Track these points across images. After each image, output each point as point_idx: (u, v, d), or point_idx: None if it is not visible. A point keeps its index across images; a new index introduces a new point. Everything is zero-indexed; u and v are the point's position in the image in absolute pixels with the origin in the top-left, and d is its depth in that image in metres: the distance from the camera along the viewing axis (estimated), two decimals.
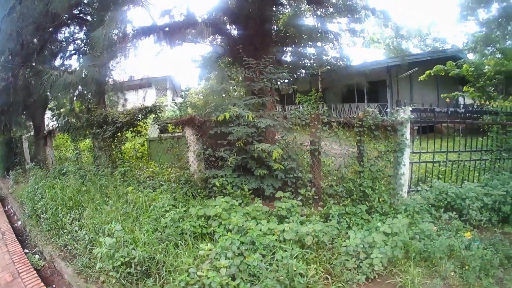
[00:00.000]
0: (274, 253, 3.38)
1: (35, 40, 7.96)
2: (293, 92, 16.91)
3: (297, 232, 3.72)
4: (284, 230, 3.74)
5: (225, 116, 4.74)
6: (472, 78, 11.10)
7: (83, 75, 5.54)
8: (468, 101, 12.25)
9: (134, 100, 8.65)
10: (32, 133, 10.00)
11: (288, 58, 12.63)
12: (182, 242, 3.75)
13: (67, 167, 6.62)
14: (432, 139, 5.95)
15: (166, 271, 3.31)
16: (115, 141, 6.18)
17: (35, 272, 4.13)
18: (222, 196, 4.59)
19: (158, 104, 5.87)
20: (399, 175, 5.09)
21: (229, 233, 3.57)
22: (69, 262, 4.12)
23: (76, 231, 4.57)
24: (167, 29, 5.76)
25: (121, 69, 7.62)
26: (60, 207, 5.26)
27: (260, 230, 3.77)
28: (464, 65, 11.22)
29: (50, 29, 8.18)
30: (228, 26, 6.62)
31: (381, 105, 14.12)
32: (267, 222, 4.06)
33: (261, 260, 3.20)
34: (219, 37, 7.44)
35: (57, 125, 8.13)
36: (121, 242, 3.66)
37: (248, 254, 3.29)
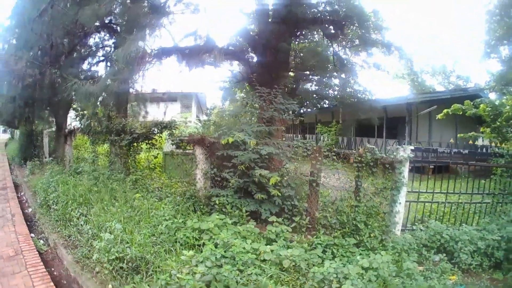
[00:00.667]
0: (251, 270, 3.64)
1: (64, 42, 8.57)
2: (315, 121, 17.49)
3: (279, 255, 3.96)
4: (265, 251, 4.00)
5: (228, 140, 5.12)
6: (488, 118, 11.04)
7: (107, 83, 6.05)
8: (487, 142, 12.21)
9: (156, 112, 9.12)
10: (53, 129, 10.68)
11: (311, 87, 13.07)
12: (173, 248, 4.14)
13: (83, 167, 7.17)
14: (443, 180, 6.03)
15: (153, 271, 3.70)
16: (131, 150, 6.66)
17: (37, 252, 4.64)
18: (219, 214, 4.95)
19: (173, 120, 6.31)
20: (393, 213, 5.22)
21: (213, 246, 3.91)
22: (70, 251, 4.59)
23: (81, 225, 5.07)
24: (187, 51, 6.23)
25: (143, 83, 8.13)
26: (70, 201, 5.83)
27: (244, 248, 4.04)
28: (481, 105, 11.17)
29: (80, 34, 8.79)
30: (247, 54, 7.04)
31: (398, 141, 14.26)
32: (253, 242, 4.31)
33: (237, 274, 3.46)
34: (238, 63, 7.83)
35: (79, 126, 8.71)
36: (119, 239, 4.10)
37: (226, 267, 3.52)
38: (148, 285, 3.50)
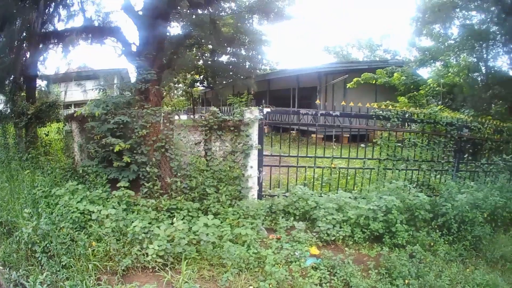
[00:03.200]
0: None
1: None
2: (233, 93, 18.19)
3: (100, 212, 4.30)
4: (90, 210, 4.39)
5: (86, 112, 5.44)
6: (401, 87, 11.03)
7: None
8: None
9: (78, 92, 9.46)
10: None
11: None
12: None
13: None
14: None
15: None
16: (28, 130, 7.13)
17: None
18: (80, 182, 5.35)
19: (56, 100, 6.71)
20: (245, 177, 5.31)
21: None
22: None
23: None
24: (66, 33, 6.57)
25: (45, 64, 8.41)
26: None
27: (77, 208, 4.45)
28: (395, 74, 11.12)
29: None
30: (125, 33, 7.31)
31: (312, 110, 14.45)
32: (91, 203, 4.66)
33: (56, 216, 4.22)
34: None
35: None
36: None
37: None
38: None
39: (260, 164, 5.47)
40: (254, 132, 5.27)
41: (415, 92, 11.17)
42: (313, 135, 12.48)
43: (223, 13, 10.19)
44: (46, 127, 7.31)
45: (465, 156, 7.09)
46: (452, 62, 10.62)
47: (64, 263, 3.53)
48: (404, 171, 6.27)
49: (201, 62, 15.38)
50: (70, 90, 9.55)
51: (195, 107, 29.90)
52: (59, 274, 3.41)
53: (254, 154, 5.32)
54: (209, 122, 5.23)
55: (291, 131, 15.29)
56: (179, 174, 5.32)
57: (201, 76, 19.48)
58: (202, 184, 5.20)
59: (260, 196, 5.50)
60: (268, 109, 5.49)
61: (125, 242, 3.89)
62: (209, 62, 9.06)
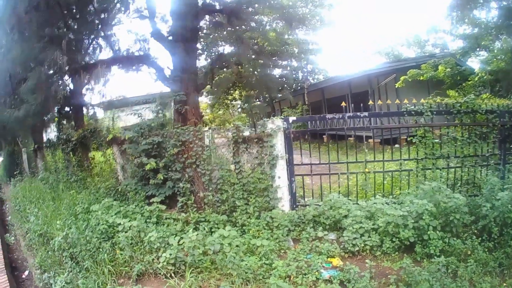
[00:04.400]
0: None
1: None
2: (290, 105, 18.48)
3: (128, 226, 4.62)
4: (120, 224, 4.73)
5: (126, 137, 5.97)
6: (448, 79, 10.27)
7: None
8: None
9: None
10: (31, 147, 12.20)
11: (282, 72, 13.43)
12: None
13: (45, 174, 8.64)
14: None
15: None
16: (76, 154, 7.88)
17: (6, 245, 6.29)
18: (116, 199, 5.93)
19: (99, 126, 7.36)
20: (274, 188, 5.30)
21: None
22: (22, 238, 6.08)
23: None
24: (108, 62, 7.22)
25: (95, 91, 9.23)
26: (26, 202, 7.24)
27: (106, 221, 4.89)
28: (440, 66, 10.43)
29: None
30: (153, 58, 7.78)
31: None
32: (124, 217, 5.05)
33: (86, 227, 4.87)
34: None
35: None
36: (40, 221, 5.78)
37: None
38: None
39: (292, 174, 5.47)
40: (278, 142, 5.28)
41: (463, 84, 10.50)
42: (351, 139, 12.29)
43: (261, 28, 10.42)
44: (91, 151, 8.02)
45: None
46: (496, 47, 9.88)
47: (86, 267, 4.03)
48: (446, 169, 5.78)
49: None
50: (126, 115, 10.21)
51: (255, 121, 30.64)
52: (79, 275, 3.91)
53: (280, 164, 5.31)
54: (233, 136, 5.44)
55: (323, 136, 15.20)
56: (210, 188, 5.56)
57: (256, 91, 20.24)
58: (232, 196, 5.39)
59: (293, 207, 5.47)
60: (294, 118, 5.57)
61: (143, 250, 4.22)
62: (257, 77, 9.37)
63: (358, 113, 5.67)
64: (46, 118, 8.39)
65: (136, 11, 7.72)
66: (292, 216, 5.06)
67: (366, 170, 5.64)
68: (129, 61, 6.92)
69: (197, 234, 4.27)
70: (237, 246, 4.19)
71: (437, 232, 4.03)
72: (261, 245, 4.20)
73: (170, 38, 7.24)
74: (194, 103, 6.67)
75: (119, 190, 6.51)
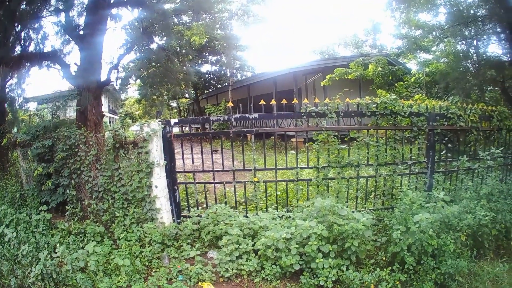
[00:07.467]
0: None
1: None
2: (216, 102, 19.26)
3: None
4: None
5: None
6: (377, 79, 9.81)
7: None
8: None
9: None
10: None
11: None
12: None
13: None
14: None
15: None
16: None
17: None
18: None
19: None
20: (151, 198, 5.05)
21: None
22: None
23: None
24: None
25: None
26: None
27: None
28: (370, 65, 9.96)
29: None
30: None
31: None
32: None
33: None
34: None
35: None
36: None
37: None
38: None
39: (174, 182, 5.29)
40: (154, 147, 4.99)
41: (395, 84, 10.16)
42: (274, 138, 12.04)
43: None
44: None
45: (442, 153, 6.08)
46: (438, 49, 9.62)
47: None
48: (356, 179, 5.43)
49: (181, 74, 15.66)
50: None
51: (182, 118, 31.46)
52: None
53: (157, 173, 5.05)
54: (113, 140, 5.17)
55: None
56: (93, 196, 5.39)
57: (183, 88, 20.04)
58: (112, 206, 5.21)
59: (176, 219, 5.29)
60: (176, 120, 5.26)
61: (20, 264, 4.12)
62: (185, 73, 9.08)
63: (246, 115, 5.30)
64: None
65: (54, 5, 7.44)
66: (169, 230, 4.88)
67: (255, 179, 5.27)
68: (36, 58, 6.73)
69: (63, 249, 4.22)
70: (106, 263, 4.16)
71: (330, 259, 3.55)
72: (122, 264, 4.04)
73: (82, 32, 7.01)
74: (96, 101, 6.45)
75: (24, 195, 6.45)
